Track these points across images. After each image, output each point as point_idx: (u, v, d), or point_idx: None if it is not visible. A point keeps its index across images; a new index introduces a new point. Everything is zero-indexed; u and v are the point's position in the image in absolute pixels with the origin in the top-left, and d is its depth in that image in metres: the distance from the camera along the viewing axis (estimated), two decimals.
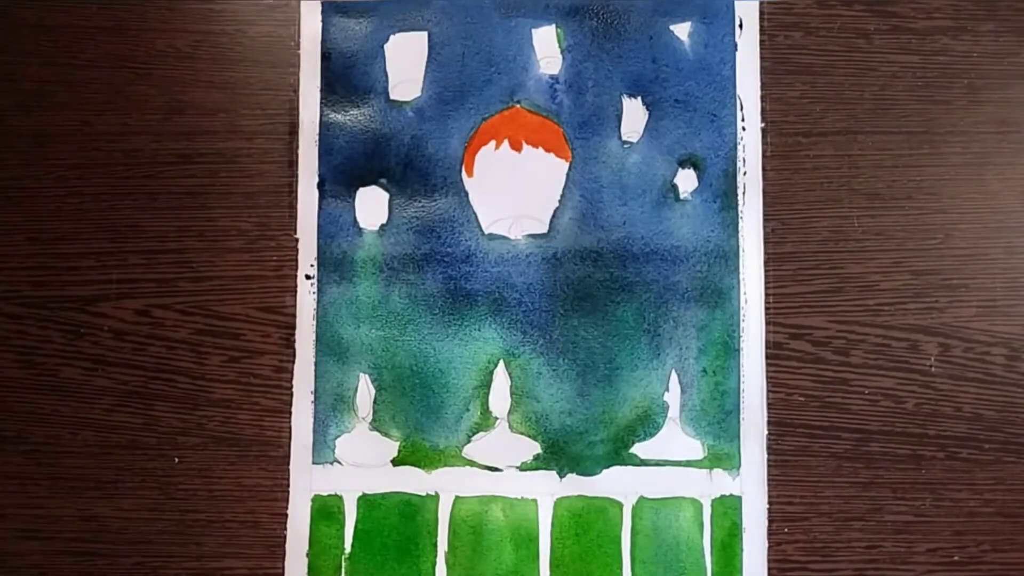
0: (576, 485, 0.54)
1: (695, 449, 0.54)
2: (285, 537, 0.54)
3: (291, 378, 0.55)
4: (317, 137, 0.56)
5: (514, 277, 0.55)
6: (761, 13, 0.56)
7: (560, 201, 0.55)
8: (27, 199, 0.56)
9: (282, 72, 0.57)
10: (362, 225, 0.56)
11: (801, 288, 0.54)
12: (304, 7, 0.57)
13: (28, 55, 0.57)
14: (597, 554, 0.53)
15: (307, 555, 0.54)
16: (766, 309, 0.54)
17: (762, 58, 0.56)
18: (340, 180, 0.56)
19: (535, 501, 0.54)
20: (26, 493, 0.55)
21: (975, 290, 0.54)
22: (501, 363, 0.55)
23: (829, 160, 0.55)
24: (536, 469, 0.54)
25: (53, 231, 0.56)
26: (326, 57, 0.57)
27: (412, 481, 0.54)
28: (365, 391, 0.55)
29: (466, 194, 0.56)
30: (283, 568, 0.54)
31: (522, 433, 0.54)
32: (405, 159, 0.56)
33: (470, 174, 0.56)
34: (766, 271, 0.55)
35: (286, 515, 0.54)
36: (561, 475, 0.54)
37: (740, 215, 0.55)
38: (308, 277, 0.55)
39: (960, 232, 0.55)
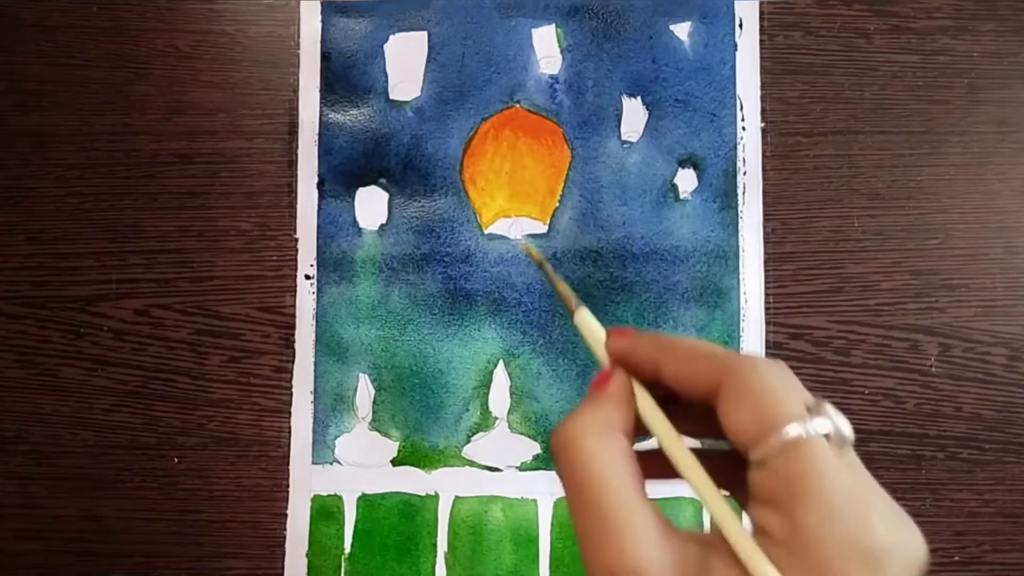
0: None
1: None
2: (285, 537, 0.54)
3: (291, 378, 0.55)
4: (317, 137, 0.56)
5: (514, 277, 0.55)
6: (761, 13, 0.56)
7: (560, 201, 0.55)
8: (27, 199, 0.56)
9: (282, 72, 0.57)
10: (362, 225, 0.56)
11: (801, 288, 0.54)
12: (304, 7, 0.57)
13: (28, 55, 0.57)
14: None
15: (307, 555, 0.54)
16: (766, 309, 0.54)
17: (762, 58, 0.56)
18: (340, 180, 0.56)
19: (535, 501, 0.54)
20: (26, 493, 0.55)
21: (975, 290, 0.54)
22: (501, 363, 0.55)
23: (829, 160, 0.55)
24: (536, 469, 0.54)
25: (53, 231, 0.56)
26: (326, 57, 0.57)
27: (412, 481, 0.54)
28: (365, 391, 0.55)
29: (465, 194, 0.56)
30: (283, 568, 0.54)
31: (522, 433, 0.54)
32: (405, 159, 0.56)
33: (470, 174, 0.56)
34: (766, 271, 0.54)
35: (286, 515, 0.54)
36: None
37: (740, 215, 0.55)
38: (308, 277, 0.55)
39: (960, 232, 0.54)
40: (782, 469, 0.21)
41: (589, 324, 0.27)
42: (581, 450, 0.22)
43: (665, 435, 0.24)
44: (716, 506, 0.22)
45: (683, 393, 0.24)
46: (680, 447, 0.24)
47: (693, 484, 0.23)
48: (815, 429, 0.21)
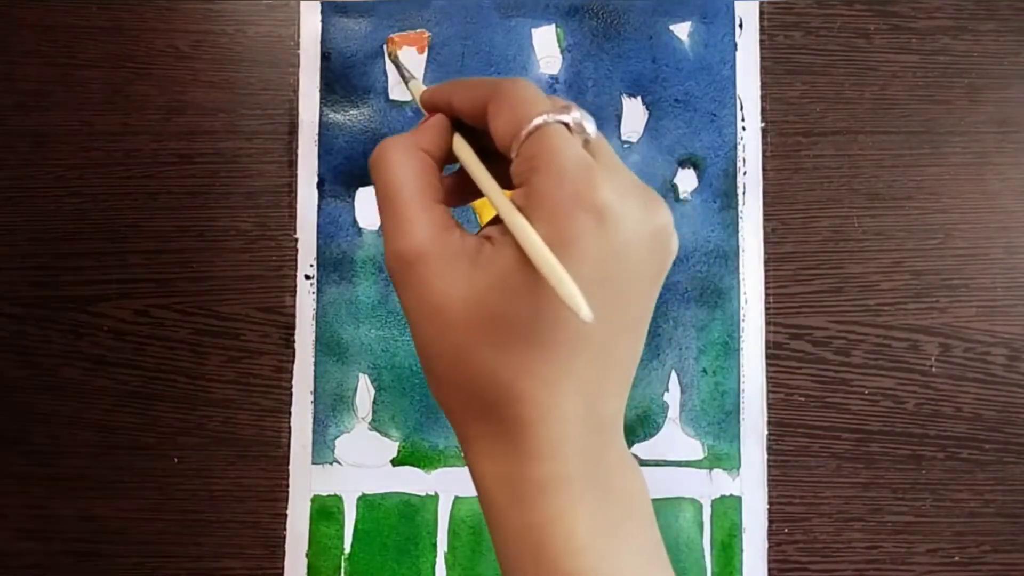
0: None
1: (695, 449, 0.54)
2: (285, 537, 0.54)
3: (291, 378, 0.55)
4: (317, 137, 0.56)
5: None
6: (761, 13, 0.56)
7: None
8: (27, 199, 0.56)
9: (282, 72, 0.57)
10: (362, 225, 0.56)
11: (801, 288, 0.54)
12: (304, 7, 0.57)
13: (28, 55, 0.57)
14: None
15: (307, 555, 0.54)
16: (766, 309, 0.54)
17: (762, 58, 0.56)
18: (340, 180, 0.56)
19: None
20: (26, 493, 0.55)
21: (975, 290, 0.54)
22: None
23: (829, 160, 0.55)
24: None
25: (53, 231, 0.56)
26: (326, 57, 0.57)
27: (412, 481, 0.54)
28: (365, 391, 0.55)
29: None
30: (283, 568, 0.54)
31: None
32: None
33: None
34: (766, 271, 0.55)
35: (286, 515, 0.54)
36: None
37: (740, 215, 0.55)
38: (308, 277, 0.55)
39: (960, 232, 0.55)
40: (525, 152, 0.24)
41: (418, 88, 0.31)
42: (387, 161, 0.26)
43: (466, 156, 0.27)
44: (495, 195, 0.25)
45: (469, 118, 0.27)
46: (476, 161, 0.27)
47: (483, 186, 0.26)
48: (555, 118, 0.24)
